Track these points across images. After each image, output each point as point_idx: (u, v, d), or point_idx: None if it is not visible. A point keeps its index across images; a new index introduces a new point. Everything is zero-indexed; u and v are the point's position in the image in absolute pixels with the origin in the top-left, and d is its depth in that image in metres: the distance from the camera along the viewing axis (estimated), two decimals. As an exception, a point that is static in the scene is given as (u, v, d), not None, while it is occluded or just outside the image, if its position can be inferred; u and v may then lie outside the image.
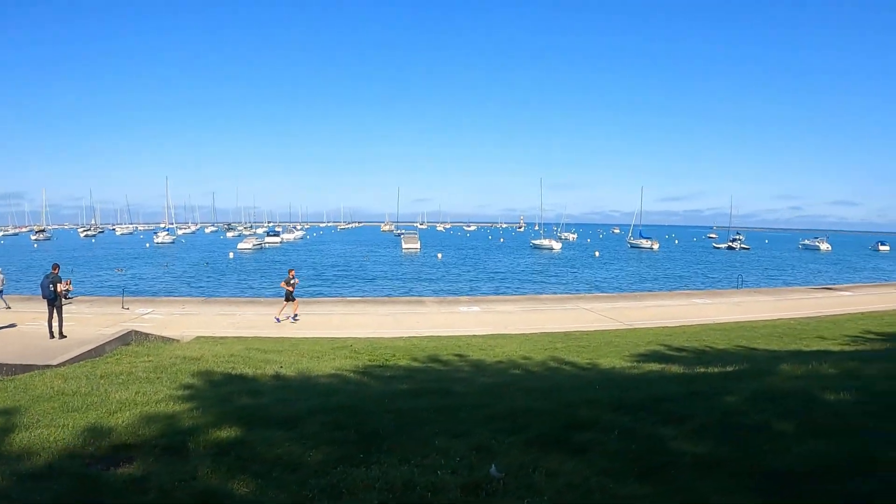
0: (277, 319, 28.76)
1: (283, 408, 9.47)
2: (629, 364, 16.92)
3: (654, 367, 15.52)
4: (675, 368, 14.31)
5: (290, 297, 29.43)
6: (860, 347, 20.06)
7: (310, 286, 54.30)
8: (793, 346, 21.37)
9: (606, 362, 17.63)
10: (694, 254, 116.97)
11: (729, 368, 13.40)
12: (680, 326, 27.76)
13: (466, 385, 12.21)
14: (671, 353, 20.06)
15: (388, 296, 46.91)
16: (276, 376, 14.35)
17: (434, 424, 8.10)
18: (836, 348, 19.94)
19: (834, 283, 56.31)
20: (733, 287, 52.34)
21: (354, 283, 59.65)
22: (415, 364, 17.83)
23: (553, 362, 17.88)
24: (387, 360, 18.81)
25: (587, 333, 25.81)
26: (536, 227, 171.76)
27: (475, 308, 34.91)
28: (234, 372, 14.70)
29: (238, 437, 7.66)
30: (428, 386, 12.10)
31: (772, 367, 12.13)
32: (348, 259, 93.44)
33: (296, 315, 29.36)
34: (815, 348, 20.25)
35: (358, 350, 20.94)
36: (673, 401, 8.80)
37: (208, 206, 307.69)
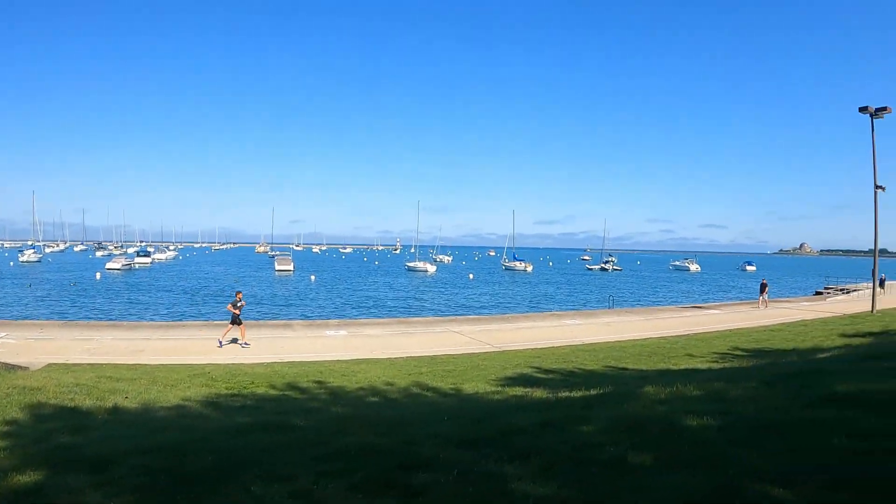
0: (220, 343, 27.39)
1: (101, 447, 8.27)
2: (493, 389, 16.24)
3: (518, 391, 14.97)
4: (539, 393, 13.72)
5: (236, 321, 28.18)
6: (727, 364, 19.83)
7: (174, 309, 52.33)
8: (661, 366, 21.03)
9: (470, 387, 16.90)
10: (567, 275, 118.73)
11: (593, 392, 12.63)
12: (550, 348, 27.13)
13: (313, 417, 11.07)
14: (539, 375, 19.40)
15: (255, 319, 45.03)
16: (114, 409, 12.96)
17: (258, 466, 6.87)
18: (704, 366, 19.70)
19: (703, 302, 57.48)
20: (605, 307, 52.68)
21: (223, 306, 56.91)
22: (272, 392, 16.79)
23: (416, 388, 17.01)
24: (244, 388, 17.65)
25: (455, 357, 24.85)
26: (413, 250, 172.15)
27: (342, 332, 33.52)
28: (70, 404, 13.29)
29: (39, 484, 6.47)
30: (271, 419, 10.76)
31: (636, 390, 11.34)
32: (220, 281, 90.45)
33: (243, 341, 27.95)
34: (683, 367, 20.05)
35: (215, 377, 19.56)
36: (524, 433, 7.84)
37: (79, 224, 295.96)
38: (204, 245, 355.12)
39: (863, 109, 39.72)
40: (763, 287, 50.51)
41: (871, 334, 28.30)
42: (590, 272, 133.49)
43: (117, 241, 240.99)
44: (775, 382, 10.66)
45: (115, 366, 21.76)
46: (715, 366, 19.52)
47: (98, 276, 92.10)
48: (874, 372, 10.90)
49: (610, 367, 21.10)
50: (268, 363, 23.22)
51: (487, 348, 27.67)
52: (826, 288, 68.17)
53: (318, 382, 18.30)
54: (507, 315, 45.77)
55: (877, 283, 44.84)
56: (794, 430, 6.86)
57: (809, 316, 40.49)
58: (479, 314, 48.73)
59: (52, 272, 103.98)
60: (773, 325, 35.41)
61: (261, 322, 41.63)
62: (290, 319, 43.67)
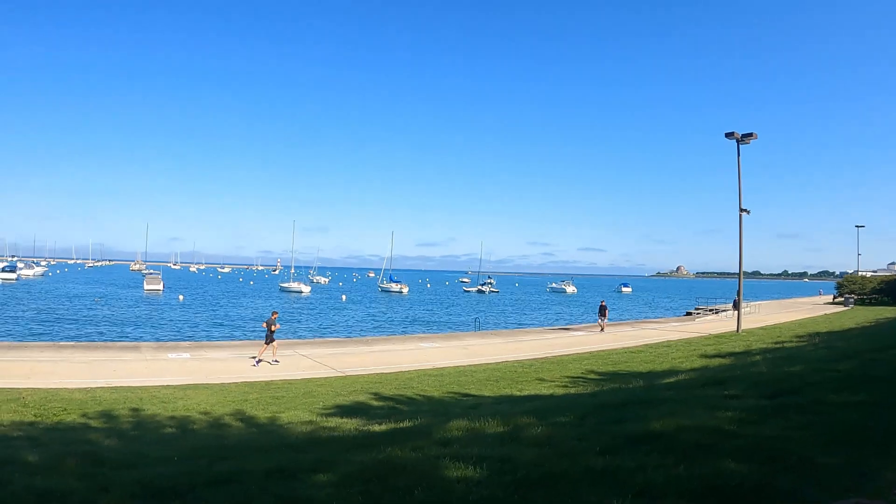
0: (257, 362, 28.44)
1: None
2: (311, 418, 14.97)
3: (333, 422, 13.78)
4: (352, 424, 12.75)
5: (270, 339, 29.33)
6: (572, 390, 19.03)
7: (14, 329, 48.97)
8: (506, 391, 20.02)
9: (288, 416, 15.66)
10: (443, 297, 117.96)
11: (404, 424, 11.56)
12: (397, 373, 25.77)
13: (48, 452, 9.48)
14: (372, 402, 18.28)
15: (104, 341, 42.35)
16: None
17: None
18: (548, 391, 18.84)
19: (572, 324, 57.03)
20: (471, 330, 51.64)
21: (74, 327, 53.68)
22: (79, 421, 15.33)
23: (228, 417, 15.59)
24: (55, 415, 16.30)
25: (291, 383, 23.37)
26: (293, 271, 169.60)
27: (186, 355, 31.44)
28: None
29: None
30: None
31: (444, 424, 10.08)
32: (81, 300, 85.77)
33: (273, 358, 28.98)
34: (526, 392, 19.23)
35: (28, 403, 17.92)
36: (242, 482, 6.52)
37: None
38: (78, 261, 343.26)
39: (729, 135, 40.07)
40: (602, 310, 47.86)
41: (731, 354, 28.19)
42: (467, 294, 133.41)
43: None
44: (592, 415, 9.60)
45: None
46: (558, 391, 18.75)
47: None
48: (706, 403, 9.81)
49: (451, 393, 20.05)
50: (92, 388, 21.49)
51: (332, 373, 26.17)
52: (697, 308, 69.06)
53: (134, 410, 17.03)
54: (366, 338, 44.01)
55: (739, 303, 45.28)
56: (568, 487, 5.55)
57: (675, 336, 40.40)
58: (340, 336, 47.06)
59: None
60: (637, 346, 34.96)
61: (107, 343, 38.99)
62: (142, 341, 41.16)
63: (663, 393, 12.13)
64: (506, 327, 58.66)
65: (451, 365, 28.07)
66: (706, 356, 27.77)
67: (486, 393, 19.74)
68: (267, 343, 29.53)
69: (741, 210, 40.85)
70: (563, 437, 7.86)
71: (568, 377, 22.95)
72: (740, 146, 40.28)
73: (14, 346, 33.81)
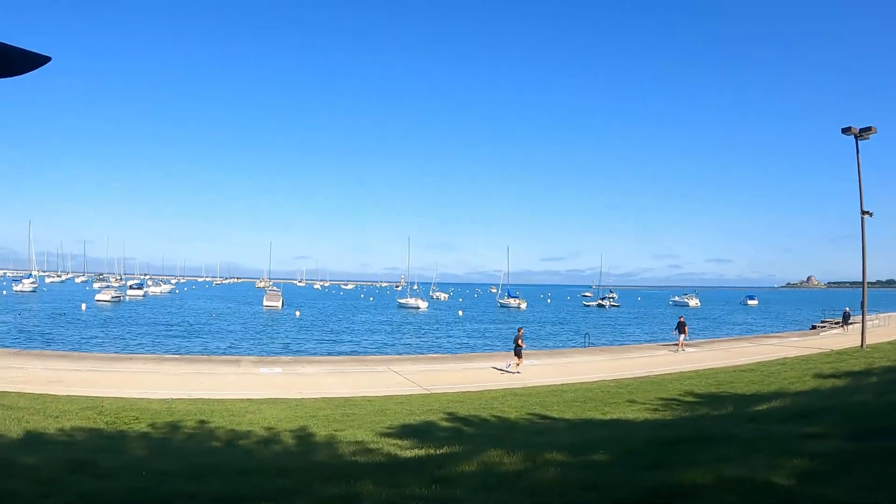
0: (507, 370, 31.19)
1: None
2: (369, 437, 14.25)
3: (383, 443, 13.20)
4: (393, 449, 11.93)
5: (518, 353, 31.96)
6: (659, 415, 17.29)
7: (131, 341, 50.40)
8: (588, 414, 18.59)
9: (346, 434, 14.95)
10: (562, 313, 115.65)
11: (440, 451, 10.70)
12: (484, 391, 24.70)
13: (39, 460, 9.44)
14: (441, 423, 17.19)
15: (208, 354, 42.81)
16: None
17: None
18: (633, 415, 17.33)
19: (687, 340, 54.58)
20: (579, 346, 49.90)
21: (183, 341, 54.84)
22: (143, 430, 15.81)
23: (287, 434, 15.14)
24: (125, 423, 16.76)
25: (371, 400, 22.66)
26: (416, 287, 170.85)
27: (277, 369, 31.62)
28: None
29: None
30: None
31: (475, 453, 9.08)
32: (198, 316, 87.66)
33: (516, 370, 30.89)
34: (609, 416, 17.76)
35: (104, 411, 18.37)
36: None
37: (81, 255, 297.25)
38: (207, 279, 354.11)
39: (846, 130, 37.04)
40: (680, 326, 42.68)
41: (849, 374, 25.58)
42: (586, 308, 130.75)
43: (119, 274, 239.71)
44: (633, 454, 8.28)
45: (39, 395, 21.09)
46: (641, 416, 17.10)
47: (83, 307, 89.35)
48: (776, 444, 8.28)
49: (530, 415, 18.72)
50: (172, 399, 21.80)
51: (417, 390, 25.47)
52: (822, 321, 64.85)
53: (199, 422, 17.01)
54: (468, 354, 43.15)
55: (864, 316, 41.59)
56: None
57: (794, 353, 37.61)
58: (444, 352, 46.01)
59: (44, 302, 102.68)
60: (748, 364, 32.55)
61: (209, 357, 39.91)
62: (245, 355, 41.50)
63: (737, 427, 10.52)
64: (621, 343, 56.63)
65: (545, 383, 26.74)
66: (821, 376, 25.41)
67: (567, 415, 18.35)
68: (516, 355, 31.84)
69: (863, 213, 37.81)
70: (571, 483, 6.51)
71: (661, 399, 21.23)
72: (859, 142, 37.35)
73: (117, 358, 35.43)
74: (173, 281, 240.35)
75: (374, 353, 44.94)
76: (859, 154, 37.55)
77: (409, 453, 10.93)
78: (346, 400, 22.57)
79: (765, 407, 14.52)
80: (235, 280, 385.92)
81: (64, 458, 9.71)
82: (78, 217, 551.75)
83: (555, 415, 18.53)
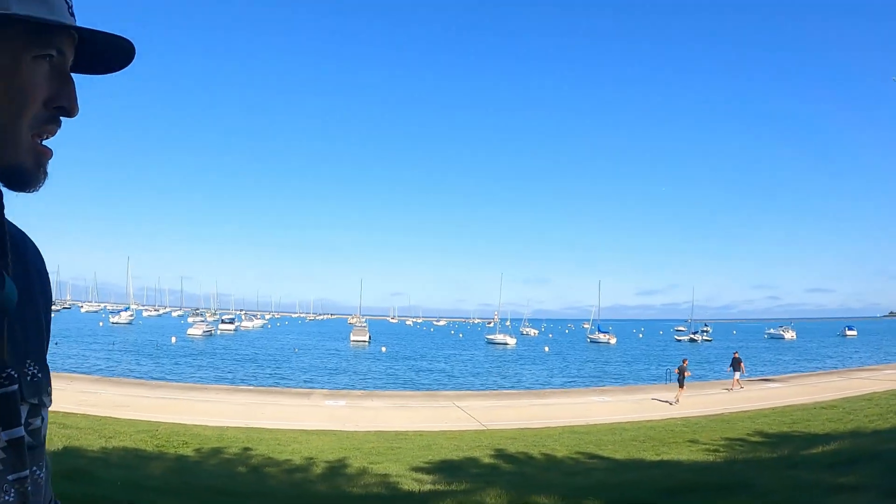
0: (671, 403, 31.47)
1: None
2: (400, 471, 14.14)
3: (410, 478, 13.06)
4: (416, 484, 11.67)
5: (681, 383, 32.86)
6: (719, 457, 16.31)
7: (203, 373, 51.08)
8: (641, 455, 17.68)
9: (381, 468, 14.95)
10: (652, 347, 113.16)
11: (453, 487, 10.69)
12: (544, 428, 23.92)
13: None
14: (483, 459, 16.86)
15: (284, 386, 43.15)
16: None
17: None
18: (687, 457, 16.47)
19: (775, 374, 52.48)
20: (659, 382, 48.42)
21: (265, 373, 55.79)
22: (184, 453, 16.77)
23: (322, 465, 15.41)
24: (174, 447, 17.54)
25: (422, 434, 22.46)
26: (508, 323, 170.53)
27: (341, 402, 31.83)
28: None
29: None
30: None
31: (482, 490, 8.51)
32: (283, 350, 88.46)
33: (675, 400, 31.75)
34: (661, 457, 16.85)
35: (158, 434, 19.44)
36: None
37: (178, 291, 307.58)
38: (300, 315, 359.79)
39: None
40: (735, 363, 39.22)
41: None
42: (678, 343, 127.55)
43: (214, 308, 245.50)
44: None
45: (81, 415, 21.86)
46: (697, 458, 16.20)
47: (174, 340, 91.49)
48: (799, 495, 7.36)
49: (580, 453, 17.99)
50: (227, 427, 22.62)
51: (473, 426, 25.02)
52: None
53: (244, 449, 17.71)
54: (540, 391, 42.10)
55: None
56: None
57: (885, 387, 35.23)
58: (519, 388, 45.04)
59: (139, 334, 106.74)
60: (831, 400, 30.63)
61: (281, 389, 40.61)
62: (317, 388, 41.42)
63: (770, 474, 9.63)
64: (704, 378, 54.79)
65: (609, 421, 25.73)
66: (910, 412, 23.89)
67: (618, 455, 17.48)
68: (681, 386, 32.63)
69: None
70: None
71: (726, 439, 20.05)
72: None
73: (191, 388, 36.47)
74: (267, 316, 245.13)
75: (446, 389, 44.33)
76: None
77: (423, 488, 10.80)
78: (398, 434, 22.45)
79: (819, 450, 13.45)
80: (329, 316, 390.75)
81: (68, 467, 10.04)
82: (176, 253, 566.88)
83: (605, 454, 17.75)
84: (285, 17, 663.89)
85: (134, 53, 1.19)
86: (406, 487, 11.11)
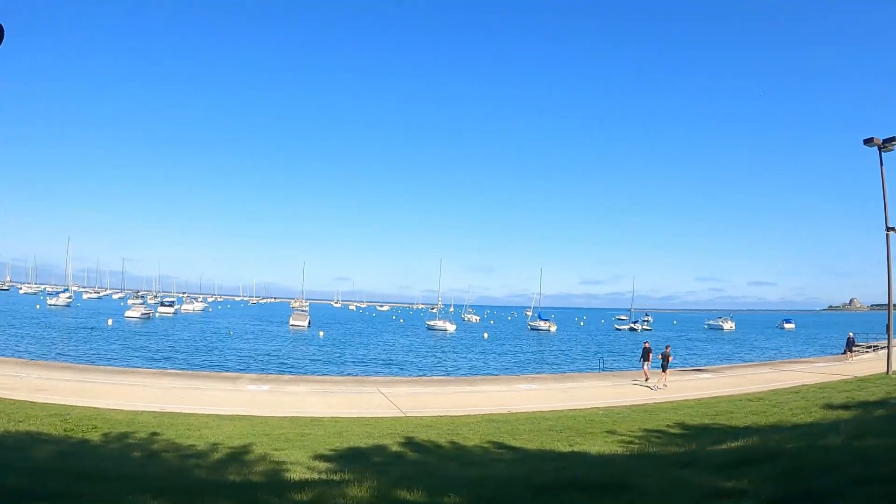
0: (653, 387, 33.54)
1: None
2: (301, 459, 14.04)
3: (307, 465, 13.07)
4: (304, 472, 11.44)
5: (665, 367, 34.46)
6: (629, 448, 15.82)
7: (135, 356, 50.87)
8: (554, 445, 17.36)
9: (285, 455, 14.79)
10: (592, 335, 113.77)
11: (342, 477, 9.91)
12: (464, 416, 23.72)
13: None
14: (390, 447, 16.57)
15: (208, 370, 42.39)
16: None
17: None
18: (599, 448, 15.87)
19: (706, 365, 52.77)
20: (594, 370, 48.36)
21: (192, 357, 54.80)
22: (89, 437, 16.72)
23: (223, 450, 15.35)
24: (82, 431, 17.61)
25: (337, 420, 22.29)
26: (451, 310, 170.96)
27: (265, 387, 31.27)
28: None
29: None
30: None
31: (350, 485, 8.12)
32: (219, 334, 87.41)
33: (661, 384, 33.63)
34: (574, 448, 16.47)
35: (69, 419, 19.31)
36: None
37: (119, 273, 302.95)
38: (243, 299, 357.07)
39: (868, 141, 35.22)
40: (645, 353, 37.48)
41: (863, 405, 23.92)
42: (617, 332, 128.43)
43: (156, 291, 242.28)
44: (481, 501, 7.02)
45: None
46: (608, 449, 15.72)
47: (110, 322, 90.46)
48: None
49: (490, 443, 17.65)
50: (140, 411, 22.47)
51: (393, 413, 24.80)
52: (855, 345, 62.10)
53: (151, 434, 17.51)
54: (470, 377, 42.10)
55: (889, 339, 38.78)
56: None
57: (815, 379, 35.57)
58: (450, 375, 44.95)
59: (76, 317, 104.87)
60: (759, 392, 30.80)
61: (208, 373, 39.87)
62: (244, 373, 40.98)
63: (659, 473, 9.08)
64: (636, 368, 54.81)
65: (532, 409, 25.49)
66: (830, 406, 23.69)
67: (529, 446, 17.14)
68: (663, 370, 34.32)
69: (888, 229, 35.66)
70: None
71: (645, 430, 19.88)
72: (882, 154, 35.44)
73: (119, 371, 36.66)
74: (210, 299, 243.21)
75: (376, 375, 43.81)
76: (883, 166, 35.71)
77: (308, 476, 10.55)
78: (314, 420, 22.22)
79: (725, 446, 13.08)
80: (273, 300, 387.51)
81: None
82: (117, 235, 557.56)
83: (516, 444, 17.41)
84: None
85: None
86: (291, 476, 10.71)
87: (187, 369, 42.20)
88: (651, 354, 37.39)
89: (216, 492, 7.95)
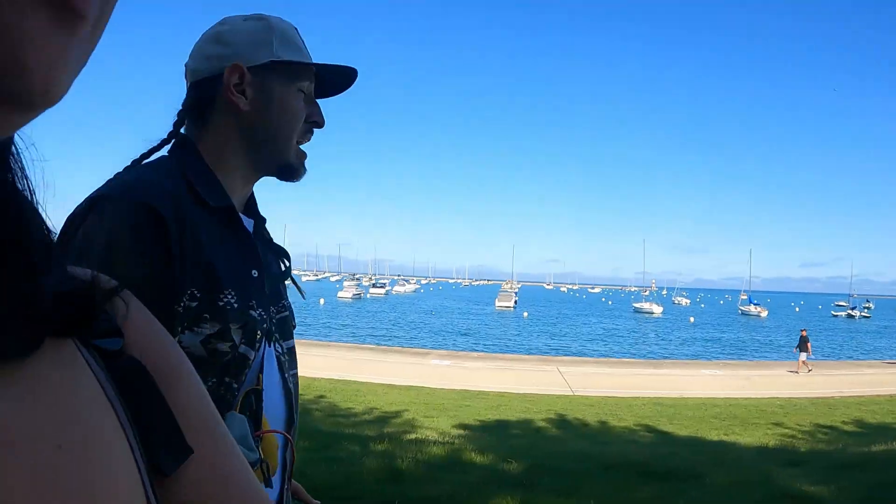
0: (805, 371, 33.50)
1: None
2: (439, 427, 14.57)
3: (438, 432, 13.53)
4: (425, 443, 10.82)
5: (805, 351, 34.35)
6: (784, 442, 15.47)
7: (337, 331, 53.49)
8: (705, 434, 16.81)
9: (430, 422, 15.71)
10: (805, 322, 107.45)
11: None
12: (628, 398, 23.37)
13: None
14: (538, 423, 16.81)
15: (400, 346, 44.18)
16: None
17: None
18: (749, 440, 15.48)
19: (811, 359, 48.78)
20: (791, 359, 46.20)
21: (391, 333, 57.68)
22: None
23: (376, 413, 16.65)
24: None
25: (502, 395, 22.69)
26: (664, 292, 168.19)
27: (446, 362, 32.41)
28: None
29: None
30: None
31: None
32: (422, 313, 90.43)
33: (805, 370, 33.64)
34: (728, 438, 16.01)
35: None
36: None
37: (336, 257, 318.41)
38: (456, 281, 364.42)
39: None
40: (802, 343, 34.72)
41: None
42: (833, 319, 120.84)
43: (371, 274, 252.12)
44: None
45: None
46: (760, 442, 15.26)
47: (322, 301, 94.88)
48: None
49: (640, 426, 17.60)
50: (316, 378, 22.69)
51: (562, 391, 24.82)
52: None
53: (318, 397, 18.57)
54: (657, 360, 40.94)
55: None
56: None
57: None
58: (637, 358, 43.88)
59: (292, 297, 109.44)
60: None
61: (402, 348, 41.50)
62: (436, 349, 42.23)
63: (748, 468, 8.95)
64: (855, 357, 51.59)
65: (705, 396, 24.74)
66: None
67: (680, 432, 16.85)
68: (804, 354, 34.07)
69: None
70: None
71: (815, 425, 18.87)
72: None
73: (313, 344, 36.69)
74: (423, 282, 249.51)
75: (563, 355, 43.77)
76: None
77: (432, 437, 11.26)
78: (480, 393, 22.78)
79: (867, 449, 12.43)
80: (485, 282, 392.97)
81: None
82: (335, 221, 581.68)
83: (667, 429, 17.19)
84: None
85: (355, 78, 1.84)
86: (412, 436, 11.32)
87: (381, 344, 43.83)
88: (809, 345, 35.30)
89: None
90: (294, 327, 1.86)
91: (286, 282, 1.92)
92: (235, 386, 1.47)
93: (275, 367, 1.63)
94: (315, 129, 1.75)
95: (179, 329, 1.40)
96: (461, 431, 13.61)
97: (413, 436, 11.44)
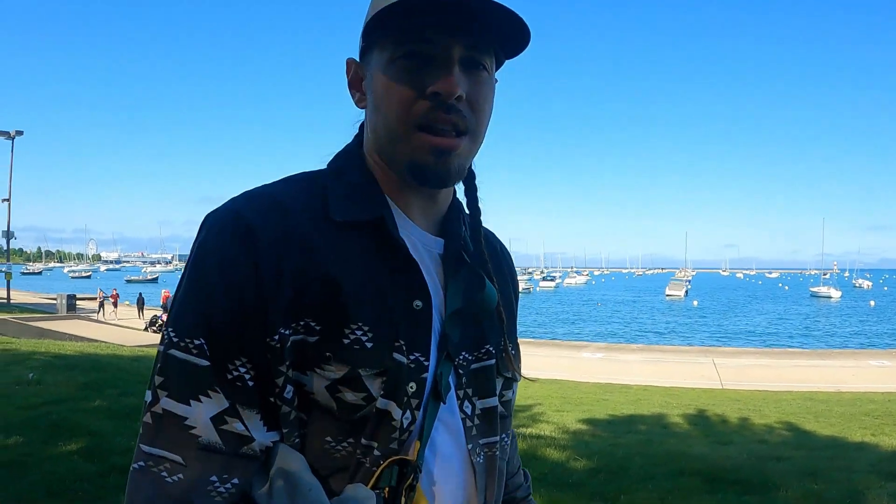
0: None
1: None
2: (561, 422, 13.94)
3: (550, 428, 12.51)
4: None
5: None
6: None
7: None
8: (850, 434, 15.23)
9: (558, 416, 14.90)
10: None
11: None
12: (777, 392, 22.62)
13: None
14: (672, 419, 16.19)
15: (563, 339, 44.71)
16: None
17: None
18: (857, 440, 14.15)
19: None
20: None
21: (549, 328, 57.26)
22: None
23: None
24: None
25: (646, 389, 22.40)
26: (847, 275, 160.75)
27: (598, 355, 32.44)
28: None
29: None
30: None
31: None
32: (589, 305, 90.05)
33: None
34: (868, 440, 14.31)
35: None
36: None
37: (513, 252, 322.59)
38: (629, 271, 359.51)
39: None
40: None
41: None
42: None
43: (542, 268, 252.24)
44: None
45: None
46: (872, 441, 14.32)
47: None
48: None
49: (780, 423, 16.48)
50: None
51: (710, 384, 24.24)
52: None
53: None
54: (825, 350, 38.54)
55: None
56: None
57: None
58: (804, 348, 41.84)
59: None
60: None
61: (557, 342, 41.60)
62: (595, 342, 42.21)
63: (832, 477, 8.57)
64: None
65: (863, 390, 23.39)
66: None
67: (822, 431, 15.59)
68: None
69: None
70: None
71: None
72: None
73: None
74: (596, 273, 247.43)
75: (721, 345, 42.46)
76: None
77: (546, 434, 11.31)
78: (623, 387, 22.62)
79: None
80: (658, 271, 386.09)
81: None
82: (502, 215, 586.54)
83: (809, 427, 15.95)
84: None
85: (512, 19, 1.18)
86: (527, 431, 11.44)
87: (539, 338, 43.91)
88: None
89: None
90: (510, 379, 1.41)
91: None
92: (378, 453, 1.15)
93: (452, 434, 1.26)
94: (460, 106, 1.19)
95: (286, 368, 1.13)
96: (584, 427, 13.36)
97: (529, 430, 11.54)
